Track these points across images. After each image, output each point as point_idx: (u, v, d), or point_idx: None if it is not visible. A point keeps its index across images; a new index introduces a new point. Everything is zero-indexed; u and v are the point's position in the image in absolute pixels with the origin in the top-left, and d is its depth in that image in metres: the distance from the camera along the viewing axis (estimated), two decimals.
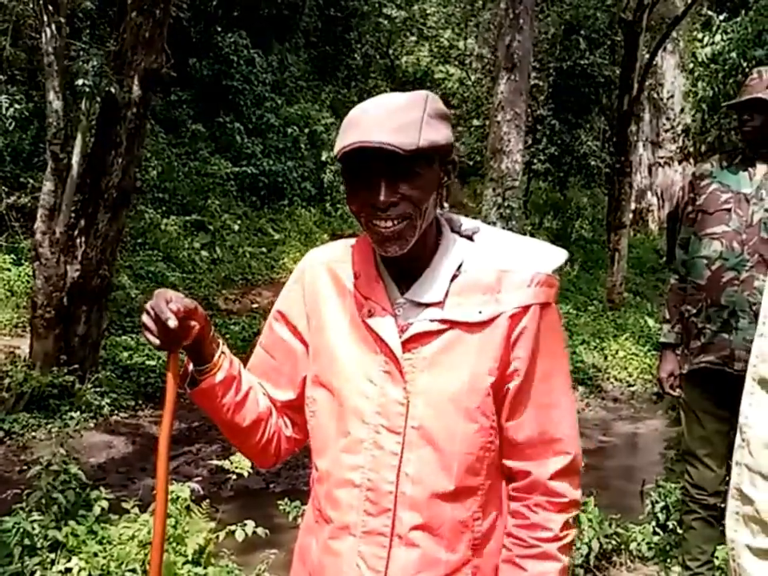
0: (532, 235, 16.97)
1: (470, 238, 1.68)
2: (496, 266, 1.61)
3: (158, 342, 1.55)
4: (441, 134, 1.56)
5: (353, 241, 1.74)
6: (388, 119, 1.51)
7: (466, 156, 20.45)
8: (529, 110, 13.05)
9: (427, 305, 1.61)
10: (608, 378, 11.40)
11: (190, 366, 1.66)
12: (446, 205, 1.67)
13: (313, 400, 1.70)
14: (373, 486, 1.59)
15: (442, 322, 1.59)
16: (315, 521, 1.71)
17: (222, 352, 1.66)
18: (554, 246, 1.70)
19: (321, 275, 1.72)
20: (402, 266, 1.63)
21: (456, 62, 21.88)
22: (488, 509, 1.63)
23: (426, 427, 1.58)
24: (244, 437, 1.75)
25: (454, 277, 1.62)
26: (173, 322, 1.52)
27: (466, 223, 1.71)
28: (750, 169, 3.72)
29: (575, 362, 10.89)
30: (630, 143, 15.82)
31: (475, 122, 19.84)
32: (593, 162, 16.00)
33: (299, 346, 1.74)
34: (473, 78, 20.45)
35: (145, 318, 1.55)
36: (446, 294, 1.60)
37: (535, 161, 16.12)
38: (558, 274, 1.66)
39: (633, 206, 19.25)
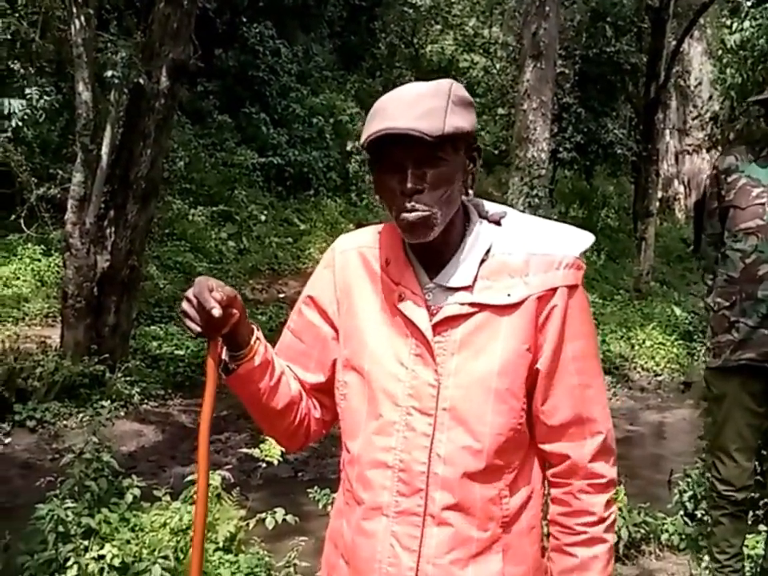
0: None
1: (497, 222, 1.69)
2: (524, 249, 1.63)
3: (199, 329, 1.56)
4: (466, 120, 1.57)
5: (382, 227, 1.76)
6: (413, 107, 1.53)
7: (492, 145, 20.37)
8: (554, 98, 12.98)
9: (456, 289, 1.62)
10: (635, 368, 11.37)
11: (225, 354, 1.67)
12: (470, 191, 1.67)
13: (344, 383, 1.72)
14: (405, 467, 1.61)
15: (472, 305, 1.61)
16: (346, 503, 1.73)
17: (257, 338, 1.68)
18: (581, 230, 1.72)
19: (351, 261, 1.74)
20: (430, 251, 1.65)
21: (481, 51, 21.76)
22: (516, 488, 1.65)
23: (457, 408, 1.60)
24: (276, 420, 1.78)
25: (483, 261, 1.63)
26: (217, 311, 1.53)
27: (493, 208, 1.73)
28: None
29: (602, 352, 10.86)
30: (656, 131, 15.73)
31: (500, 111, 19.75)
32: (619, 151, 15.88)
33: (329, 331, 1.76)
34: (498, 66, 20.34)
35: (186, 306, 1.57)
36: (475, 278, 1.62)
37: (561, 149, 16.00)
38: (584, 259, 1.67)
39: (659, 194, 19.13)
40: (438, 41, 23.20)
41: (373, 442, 1.65)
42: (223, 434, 7.63)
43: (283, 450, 4.40)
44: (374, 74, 20.82)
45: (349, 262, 1.75)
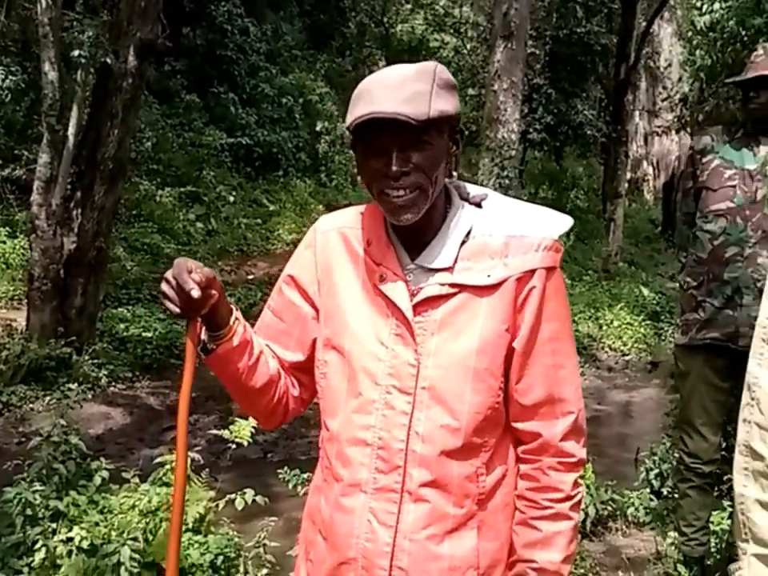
0: None
1: (478, 205, 1.72)
2: (503, 231, 1.66)
3: (178, 310, 1.59)
4: (450, 104, 1.60)
5: (364, 208, 1.78)
6: (399, 90, 1.55)
7: (462, 125, 20.33)
8: (525, 79, 12.99)
9: (437, 270, 1.66)
10: (603, 348, 11.47)
11: (204, 334, 1.69)
12: (454, 173, 1.70)
13: (324, 362, 1.75)
14: (384, 445, 1.65)
15: (452, 285, 1.64)
16: (324, 480, 1.76)
17: (236, 318, 1.70)
18: (560, 213, 1.75)
19: (333, 241, 1.77)
20: (412, 232, 1.67)
21: (451, 31, 21.72)
22: (492, 466, 1.69)
23: (436, 388, 1.63)
24: (255, 398, 1.80)
25: (463, 242, 1.66)
26: (196, 293, 1.56)
27: (474, 191, 1.76)
28: (753, 145, 3.72)
29: None
30: (626, 112, 15.78)
31: (471, 91, 19.74)
32: (588, 132, 15.96)
33: (309, 310, 1.79)
34: (468, 46, 20.32)
35: (165, 287, 1.59)
36: (456, 260, 1.65)
37: (531, 130, 16.04)
38: (562, 242, 1.70)
39: (628, 175, 19.24)
40: (408, 20, 23.15)
41: (352, 420, 1.68)
42: (192, 415, 7.60)
43: (252, 430, 4.41)
44: (343, 54, 20.74)
45: (330, 242, 1.77)
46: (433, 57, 21.00)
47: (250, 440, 4.47)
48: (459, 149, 1.69)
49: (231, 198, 14.54)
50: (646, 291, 13.57)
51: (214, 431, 4.79)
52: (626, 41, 14.92)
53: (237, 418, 4.46)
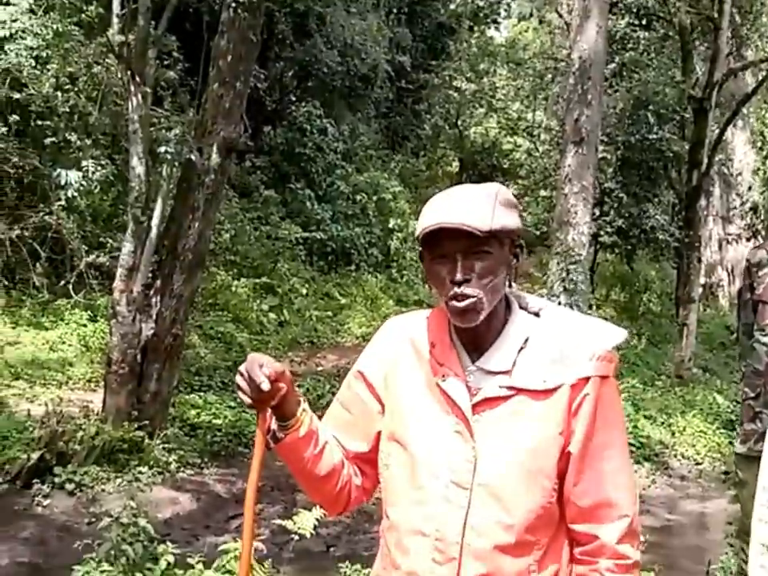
0: (598, 308, 16.87)
1: (536, 314, 1.84)
2: (560, 340, 1.76)
3: (249, 401, 1.72)
4: (511, 219, 1.74)
5: (430, 312, 1.91)
6: (464, 204, 1.70)
7: (533, 226, 20.51)
8: (596, 183, 13.10)
9: (496, 372, 1.76)
10: (675, 455, 11.19)
11: (274, 424, 1.81)
12: (514, 284, 1.84)
13: (387, 454, 1.85)
14: (441, 537, 1.72)
15: (510, 388, 1.74)
16: (383, 567, 1.85)
17: (304, 409, 1.82)
18: (614, 325, 1.85)
19: (400, 341, 1.89)
20: (474, 336, 1.79)
21: (524, 134, 22.10)
22: (545, 563, 1.74)
23: (492, 485, 1.71)
24: (319, 486, 1.90)
25: (521, 348, 1.77)
26: (266, 386, 1.68)
27: (533, 301, 1.88)
28: None
29: (640, 437, 10.73)
30: (699, 218, 15.73)
31: (542, 193, 19.94)
32: (661, 236, 15.93)
33: (375, 404, 1.89)
34: (541, 149, 20.61)
35: (239, 379, 1.72)
36: (514, 364, 1.75)
37: (602, 233, 16.10)
38: (617, 351, 1.79)
39: (702, 280, 19.03)
40: (481, 123, 23.62)
41: (412, 511, 1.76)
42: (257, 505, 7.64)
43: (316, 522, 4.45)
44: (417, 154, 21.24)
45: (398, 342, 1.89)
46: (505, 159, 21.38)
47: (313, 532, 4.51)
48: (519, 261, 1.81)
49: (304, 291, 14.83)
50: (720, 399, 13.28)
51: (278, 521, 4.84)
52: (698, 148, 14.98)
53: (301, 509, 4.51)
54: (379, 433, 1.88)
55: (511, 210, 1.75)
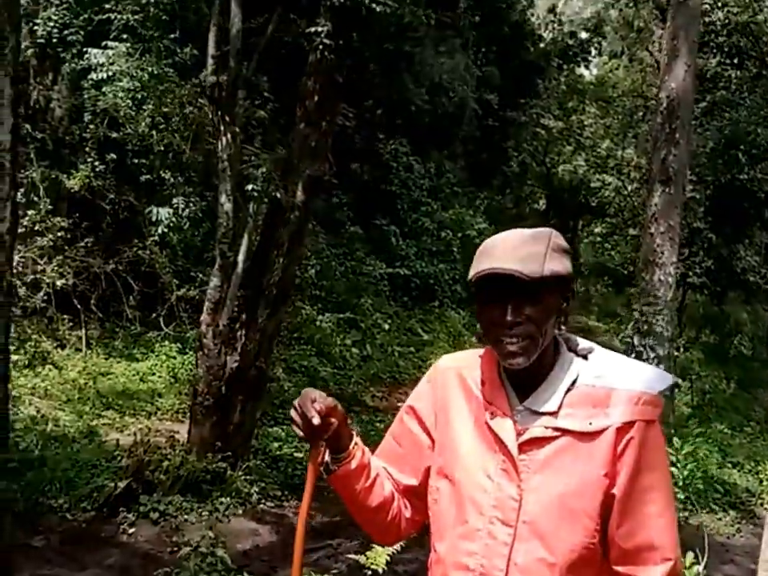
0: (686, 350, 16.51)
1: (584, 357, 1.88)
2: (607, 383, 1.81)
3: (302, 434, 1.83)
4: (562, 265, 1.79)
5: (481, 351, 1.97)
6: (516, 250, 1.75)
7: (621, 265, 20.26)
8: (684, 222, 12.91)
9: (543, 413, 1.81)
10: (762, 504, 10.84)
11: (327, 456, 1.91)
12: (563, 327, 1.88)
13: (436, 489, 1.92)
14: (485, 572, 1.79)
15: (556, 429, 1.79)
16: None
17: (356, 443, 1.92)
18: (661, 371, 1.90)
19: (451, 379, 1.96)
20: (522, 377, 1.84)
21: (613, 172, 21.89)
22: None
23: (536, 523, 1.76)
24: (370, 516, 1.99)
25: (568, 390, 1.82)
26: (316, 420, 1.78)
27: (582, 343, 1.92)
28: None
29: (726, 484, 10.44)
30: None
31: (631, 231, 19.68)
32: (752, 278, 15.55)
33: (426, 439, 1.97)
34: (629, 187, 20.39)
35: (293, 413, 1.83)
36: (560, 405, 1.80)
37: (691, 273, 15.81)
38: (662, 398, 1.83)
39: None
40: (570, 161, 23.50)
41: (458, 545, 1.83)
42: (335, 539, 7.68)
43: (388, 558, 4.49)
44: (503, 191, 21.27)
45: (449, 380, 1.96)
46: (594, 197, 21.20)
47: (385, 568, 4.55)
48: (569, 305, 1.85)
49: (386, 326, 14.94)
50: None
51: (353, 556, 4.88)
52: None
53: (374, 545, 4.56)
54: (429, 468, 1.95)
55: (563, 255, 1.80)
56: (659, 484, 1.80)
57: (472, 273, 1.78)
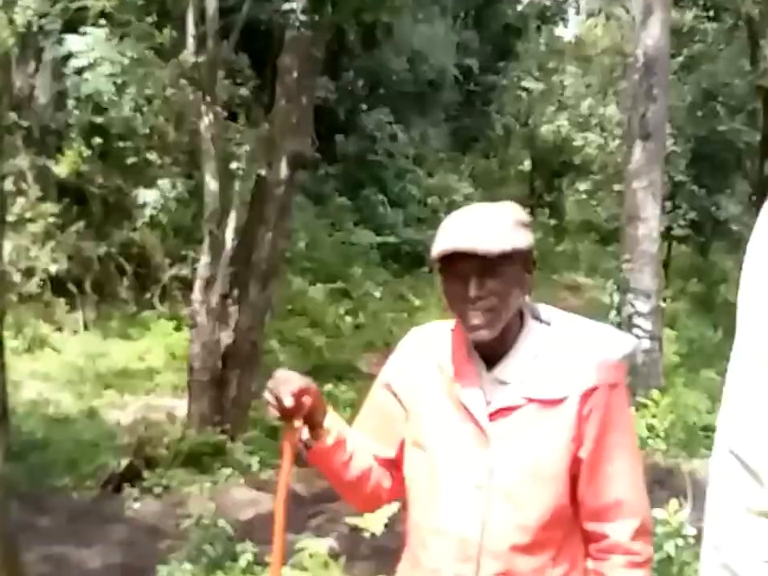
0: (673, 300, 16.71)
1: (549, 324, 1.97)
2: (570, 349, 1.90)
3: (277, 414, 1.89)
4: (523, 239, 1.85)
5: (450, 323, 2.03)
6: (477, 226, 1.82)
7: (607, 221, 20.39)
8: (667, 176, 13.02)
9: (510, 383, 1.89)
10: None
11: (305, 434, 1.97)
12: (527, 297, 1.95)
13: (410, 459, 2.01)
14: (460, 537, 1.88)
15: (523, 397, 1.87)
16: (408, 564, 2.01)
17: (332, 419, 1.99)
18: (625, 334, 2.00)
19: (421, 352, 2.03)
20: (489, 348, 1.91)
21: (596, 129, 21.97)
22: (560, 560, 1.89)
23: (508, 488, 1.85)
24: (351, 489, 2.07)
25: (534, 358, 1.90)
26: (289, 401, 1.84)
27: (545, 312, 2.00)
28: None
29: (713, 427, 10.66)
30: None
31: (616, 187, 19.80)
32: (735, 227, 15.73)
33: (399, 411, 2.03)
34: (612, 144, 20.50)
35: (266, 394, 1.88)
36: (527, 374, 1.89)
37: (675, 226, 15.97)
38: (625, 361, 1.93)
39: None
40: (552, 121, 23.53)
41: (434, 512, 1.92)
42: (335, 502, 7.87)
43: (387, 521, 4.66)
44: (488, 155, 21.32)
45: (419, 353, 2.03)
46: (577, 155, 21.30)
47: (384, 529, 4.73)
48: (531, 276, 1.92)
49: (378, 294, 15.08)
50: None
51: (350, 519, 5.06)
52: None
53: None
54: (404, 439, 2.03)
55: (523, 228, 1.85)
56: (624, 444, 1.88)
57: (434, 251, 1.82)
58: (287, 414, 1.87)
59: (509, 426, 1.85)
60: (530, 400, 1.84)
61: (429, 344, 2.01)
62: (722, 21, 16.61)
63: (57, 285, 11.31)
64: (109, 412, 9.26)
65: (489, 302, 1.81)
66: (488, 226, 1.81)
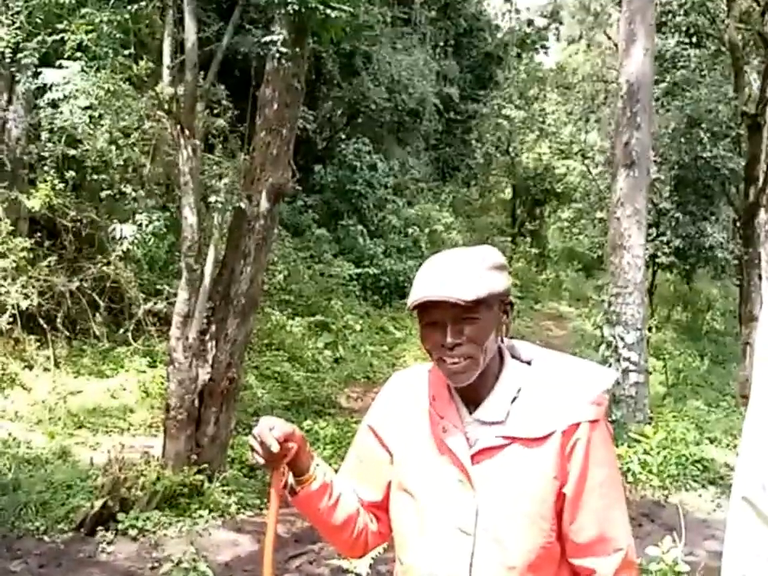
0: (658, 329, 16.63)
1: (528, 363, 1.95)
2: (550, 387, 1.87)
3: (263, 461, 1.88)
4: (498, 283, 1.85)
5: (432, 366, 2.01)
6: (451, 275, 1.81)
7: (590, 249, 20.36)
8: (651, 203, 12.97)
9: (492, 423, 1.87)
10: None
11: (290, 479, 1.96)
12: (505, 339, 1.94)
13: (397, 502, 1.99)
14: None
15: (505, 437, 1.85)
16: None
17: (317, 464, 1.98)
18: (604, 368, 1.96)
19: (404, 396, 2.03)
20: (469, 390, 1.91)
21: (578, 156, 22.02)
22: None
23: (494, 529, 1.84)
24: (336, 533, 2.06)
25: (515, 398, 1.88)
26: (275, 447, 1.84)
27: (525, 350, 1.98)
28: None
29: (704, 461, 10.50)
30: (757, 234, 15.47)
31: (599, 215, 19.82)
32: (720, 254, 15.74)
33: (385, 456, 2.03)
34: (594, 171, 20.52)
35: (252, 441, 1.88)
36: (508, 414, 1.87)
37: (659, 253, 15.95)
38: (605, 395, 1.90)
39: (765, 297, 18.62)
40: (533, 148, 23.61)
41: (422, 556, 1.90)
42: (316, 544, 7.67)
43: (372, 561, 4.49)
44: (469, 184, 21.30)
45: (402, 397, 2.03)
46: (559, 183, 21.28)
47: (369, 570, 4.55)
48: (509, 317, 1.91)
49: (358, 327, 14.92)
50: None
51: (335, 561, 4.88)
52: (753, 163, 14.80)
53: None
54: (390, 482, 2.01)
55: (498, 272, 1.86)
56: (607, 479, 1.88)
57: (409, 300, 1.84)
58: (273, 460, 1.89)
59: (492, 467, 1.86)
60: (513, 439, 1.85)
61: (412, 387, 2.04)
62: (705, 47, 16.73)
63: (27, 320, 11.05)
64: (81, 452, 8.99)
65: (466, 348, 1.83)
66: (462, 272, 1.82)
